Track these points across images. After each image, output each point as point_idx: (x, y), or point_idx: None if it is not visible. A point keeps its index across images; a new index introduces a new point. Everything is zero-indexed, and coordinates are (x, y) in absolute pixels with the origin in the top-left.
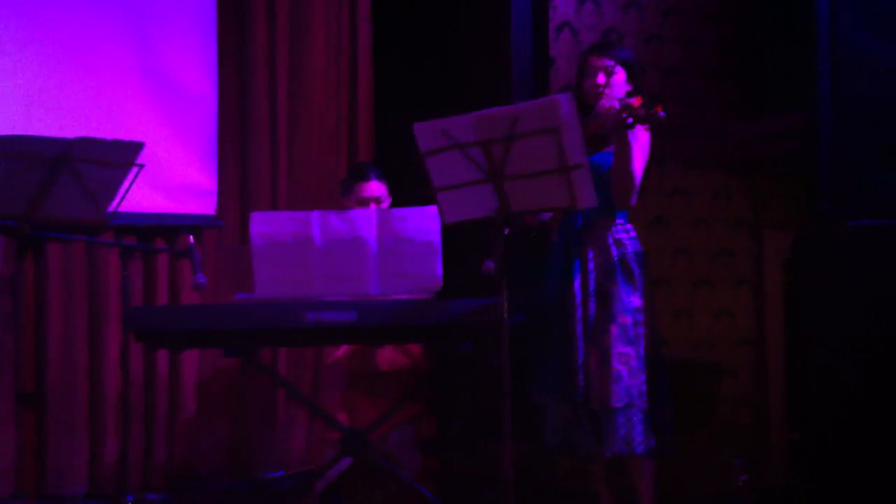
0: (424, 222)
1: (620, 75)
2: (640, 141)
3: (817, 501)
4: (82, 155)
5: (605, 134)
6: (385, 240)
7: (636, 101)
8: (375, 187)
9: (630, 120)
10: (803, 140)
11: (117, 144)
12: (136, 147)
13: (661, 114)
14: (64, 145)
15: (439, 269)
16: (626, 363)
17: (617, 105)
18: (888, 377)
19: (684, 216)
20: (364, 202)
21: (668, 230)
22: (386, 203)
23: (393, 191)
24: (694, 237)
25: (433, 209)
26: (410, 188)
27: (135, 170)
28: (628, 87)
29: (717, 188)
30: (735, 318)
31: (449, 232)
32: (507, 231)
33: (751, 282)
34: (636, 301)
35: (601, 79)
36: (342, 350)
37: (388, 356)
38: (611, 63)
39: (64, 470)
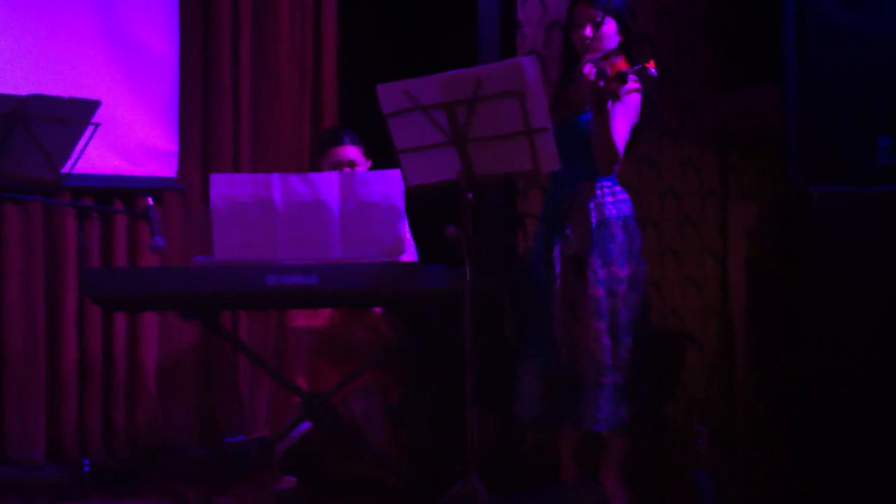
0: (387, 186)
1: (611, 26)
2: (629, 104)
3: (784, 471)
4: (36, 112)
5: (582, 98)
6: (347, 203)
7: (620, 64)
8: (350, 151)
9: (602, 83)
10: (775, 112)
11: (73, 102)
12: (93, 105)
13: (653, 72)
14: (16, 101)
15: (403, 233)
16: (596, 338)
17: (594, 71)
18: (848, 344)
19: (653, 186)
20: (338, 166)
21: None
22: (362, 167)
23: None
24: (663, 208)
25: (396, 172)
26: (375, 152)
27: (91, 129)
28: (619, 38)
29: (688, 159)
30: (701, 289)
31: (413, 195)
32: (470, 195)
33: (716, 252)
34: (617, 270)
35: (589, 31)
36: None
37: (359, 336)
38: (599, 13)
39: (23, 434)
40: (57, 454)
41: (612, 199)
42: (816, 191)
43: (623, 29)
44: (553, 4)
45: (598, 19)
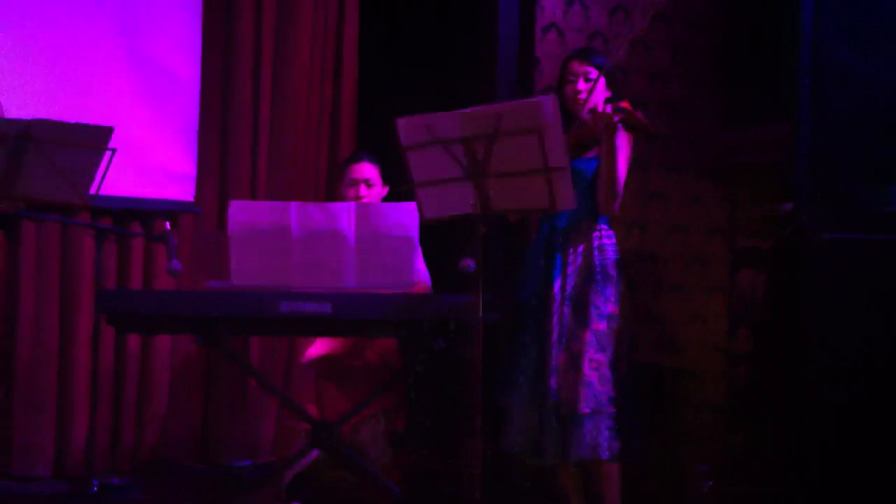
0: (403, 217)
1: (601, 82)
2: (623, 149)
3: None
4: (46, 136)
5: (589, 140)
6: (363, 233)
7: (625, 105)
8: (366, 169)
9: (617, 118)
10: (784, 151)
11: (83, 127)
12: (107, 131)
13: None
14: (23, 125)
15: (417, 264)
16: (597, 370)
17: (609, 109)
18: (854, 391)
19: (662, 221)
20: (354, 183)
21: (644, 234)
22: (377, 186)
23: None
24: (670, 242)
25: (412, 205)
26: (391, 181)
27: (108, 153)
28: (607, 94)
29: (696, 195)
30: (707, 324)
31: (427, 228)
32: (484, 230)
33: (724, 288)
34: (612, 307)
35: (582, 84)
36: (319, 346)
37: (367, 361)
38: (592, 69)
39: (31, 451)
40: (63, 470)
41: (610, 242)
42: (824, 237)
43: (610, 84)
44: (572, 41)
45: (592, 75)
